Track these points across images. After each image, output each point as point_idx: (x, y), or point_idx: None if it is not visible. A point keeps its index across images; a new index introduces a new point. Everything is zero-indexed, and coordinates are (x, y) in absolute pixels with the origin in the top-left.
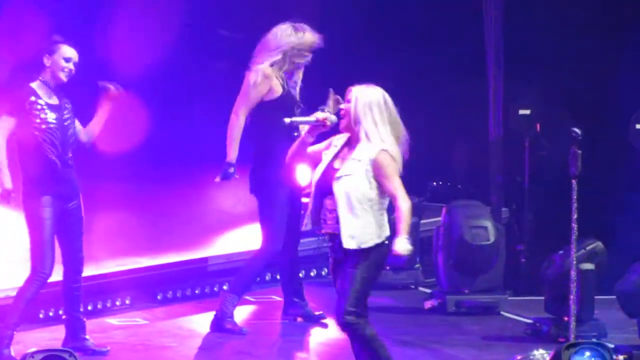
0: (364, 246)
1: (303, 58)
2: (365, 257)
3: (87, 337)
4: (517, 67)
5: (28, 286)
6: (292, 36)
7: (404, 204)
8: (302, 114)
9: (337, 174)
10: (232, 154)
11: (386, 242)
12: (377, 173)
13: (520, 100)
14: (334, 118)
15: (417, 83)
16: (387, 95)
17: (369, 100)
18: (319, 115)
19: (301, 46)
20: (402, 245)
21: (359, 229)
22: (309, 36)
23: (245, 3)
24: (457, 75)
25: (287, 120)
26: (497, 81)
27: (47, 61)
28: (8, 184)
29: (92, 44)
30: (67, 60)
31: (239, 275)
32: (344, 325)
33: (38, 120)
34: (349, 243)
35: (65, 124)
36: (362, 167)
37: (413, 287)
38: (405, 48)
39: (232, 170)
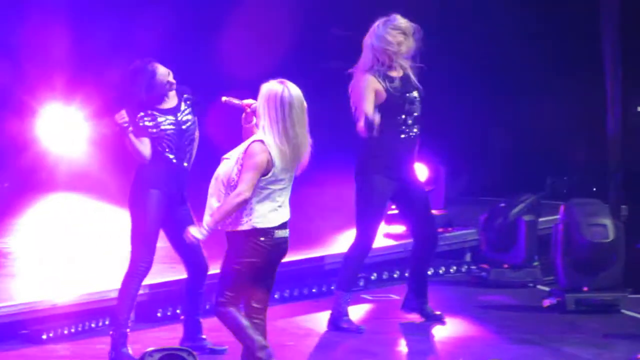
0: (228, 230)
1: (396, 54)
2: (229, 243)
3: (204, 336)
4: (636, 64)
5: (129, 279)
6: (377, 34)
7: (232, 196)
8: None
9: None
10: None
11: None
12: (241, 160)
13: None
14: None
15: (535, 81)
16: (292, 94)
17: (268, 96)
18: (245, 101)
19: (383, 42)
20: (193, 232)
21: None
22: (394, 28)
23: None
24: (575, 72)
25: (223, 98)
26: (614, 78)
27: (146, 94)
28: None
29: (209, 47)
30: (170, 86)
31: (341, 272)
32: (215, 314)
33: (153, 129)
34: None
35: (184, 127)
36: (237, 154)
37: (532, 285)
38: (525, 45)
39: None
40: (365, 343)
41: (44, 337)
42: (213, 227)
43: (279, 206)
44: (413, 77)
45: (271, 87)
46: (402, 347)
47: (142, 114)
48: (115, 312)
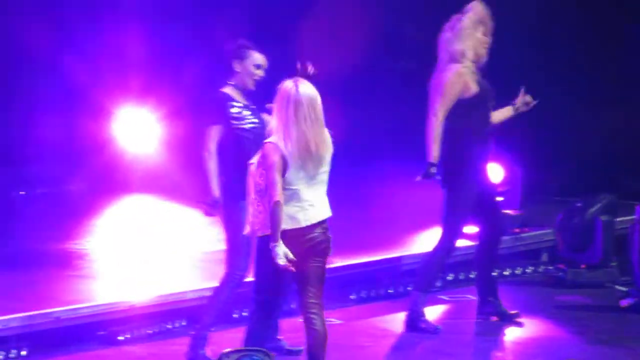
0: (258, 235)
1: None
2: (261, 247)
3: (281, 337)
4: None
5: (223, 287)
6: (469, 26)
7: (270, 202)
8: None
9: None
10: (434, 154)
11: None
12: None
13: None
14: None
15: (612, 80)
16: (300, 92)
17: (279, 96)
18: None
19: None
20: (273, 252)
21: (251, 216)
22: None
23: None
24: None
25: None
26: None
27: (237, 67)
28: (217, 192)
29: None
30: (258, 67)
31: (420, 273)
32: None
33: (239, 124)
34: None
35: (260, 126)
36: (258, 158)
37: (609, 285)
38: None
39: (433, 170)
40: (442, 343)
41: (121, 338)
42: (272, 239)
43: (310, 205)
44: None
45: (283, 86)
46: (479, 347)
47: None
48: (201, 314)
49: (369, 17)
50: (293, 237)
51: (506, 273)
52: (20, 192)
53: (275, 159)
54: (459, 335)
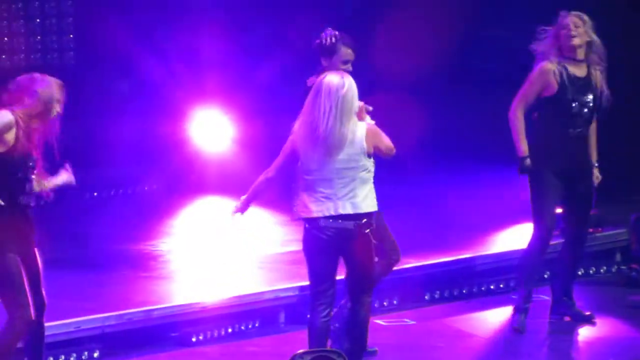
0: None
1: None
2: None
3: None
4: None
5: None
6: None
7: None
8: None
9: None
10: (523, 147)
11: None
12: None
13: None
14: None
15: None
16: (322, 83)
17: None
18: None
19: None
20: None
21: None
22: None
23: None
24: None
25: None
26: None
27: (324, 62)
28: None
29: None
30: (345, 62)
31: (519, 271)
32: None
33: None
34: None
35: None
36: None
37: None
38: None
39: (527, 162)
40: (515, 344)
41: (194, 339)
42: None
43: (324, 197)
44: (598, 81)
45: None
46: (553, 347)
47: None
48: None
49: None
50: (309, 226)
51: (579, 273)
52: (94, 194)
53: (287, 144)
54: (532, 335)
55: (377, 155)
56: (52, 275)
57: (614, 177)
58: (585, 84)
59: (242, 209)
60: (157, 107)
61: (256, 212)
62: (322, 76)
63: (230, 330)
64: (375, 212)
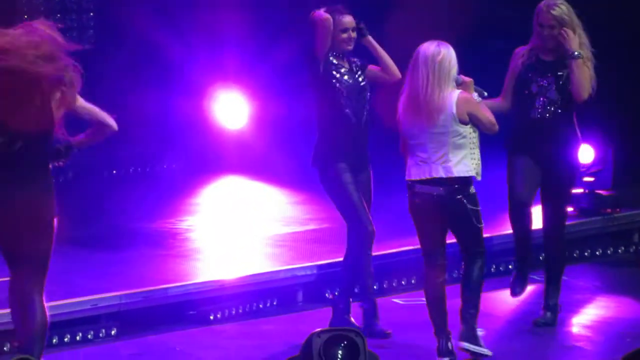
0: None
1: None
2: None
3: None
4: None
5: (358, 251)
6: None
7: None
8: None
9: None
10: None
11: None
12: None
13: None
14: None
15: None
16: (419, 51)
17: None
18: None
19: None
20: None
21: None
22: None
23: None
24: None
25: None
26: None
27: None
28: None
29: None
30: (344, 30)
31: None
32: None
33: (333, 80)
34: None
35: (362, 84)
36: None
37: None
38: None
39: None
40: (531, 322)
41: (212, 317)
42: None
43: (421, 161)
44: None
45: None
46: (567, 325)
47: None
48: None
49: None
50: (410, 190)
51: (597, 253)
52: (113, 172)
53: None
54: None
55: (477, 126)
56: (70, 252)
57: (633, 157)
58: (549, 67)
59: None
60: (176, 85)
61: (274, 192)
62: (418, 48)
63: (248, 308)
64: (470, 177)
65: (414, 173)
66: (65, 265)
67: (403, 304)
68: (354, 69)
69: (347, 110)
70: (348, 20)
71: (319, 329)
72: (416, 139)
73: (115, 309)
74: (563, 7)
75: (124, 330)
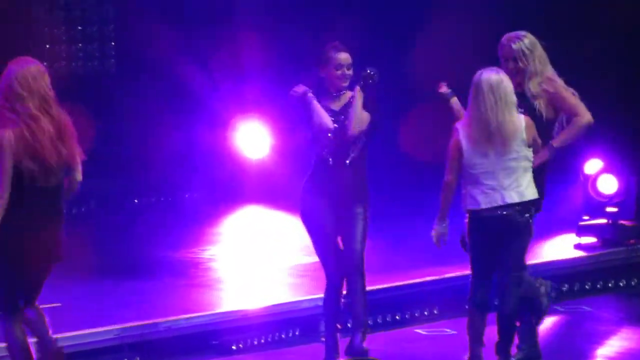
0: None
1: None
2: None
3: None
4: None
5: (326, 294)
6: None
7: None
8: None
9: None
10: None
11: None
12: None
13: None
14: None
15: None
16: (482, 78)
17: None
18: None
19: None
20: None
21: None
22: None
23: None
24: None
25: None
26: None
27: (321, 72)
28: None
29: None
30: (339, 67)
31: None
32: None
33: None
34: None
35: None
36: None
37: None
38: None
39: None
40: (558, 353)
41: (234, 347)
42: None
43: (490, 189)
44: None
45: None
46: (597, 358)
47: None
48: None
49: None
50: (476, 218)
51: (621, 284)
52: (135, 201)
53: (451, 143)
54: (570, 344)
55: (534, 149)
56: (93, 282)
57: None
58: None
59: (444, 234)
60: (198, 115)
61: (296, 221)
62: (477, 74)
63: (270, 338)
64: (537, 199)
65: (483, 201)
66: (89, 294)
67: (426, 334)
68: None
69: (325, 151)
70: (343, 57)
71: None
72: (484, 167)
73: (138, 338)
74: (526, 40)
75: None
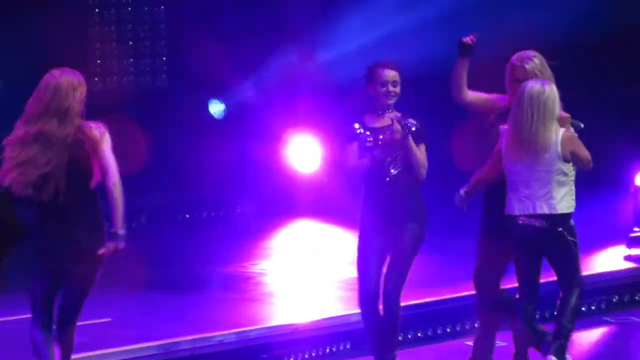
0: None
1: None
2: None
3: None
4: None
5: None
6: None
7: None
8: None
9: None
10: None
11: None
12: None
13: None
14: None
15: None
16: (525, 90)
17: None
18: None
19: None
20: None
21: None
22: None
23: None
24: None
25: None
26: None
27: (369, 89)
28: None
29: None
30: (384, 84)
31: None
32: None
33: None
34: None
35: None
36: None
37: None
38: None
39: None
40: None
41: None
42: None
43: (524, 197)
44: None
45: None
46: None
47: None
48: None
49: None
50: (513, 225)
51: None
52: (187, 216)
53: (497, 143)
54: (624, 357)
55: (576, 163)
56: (144, 296)
57: None
58: None
59: (465, 198)
60: (250, 129)
61: (347, 235)
62: (523, 84)
63: (321, 352)
64: (571, 213)
65: (517, 208)
66: (140, 309)
67: None
68: (394, 124)
69: (371, 167)
70: (390, 74)
71: None
72: (519, 174)
73: (188, 352)
74: (536, 60)
75: None
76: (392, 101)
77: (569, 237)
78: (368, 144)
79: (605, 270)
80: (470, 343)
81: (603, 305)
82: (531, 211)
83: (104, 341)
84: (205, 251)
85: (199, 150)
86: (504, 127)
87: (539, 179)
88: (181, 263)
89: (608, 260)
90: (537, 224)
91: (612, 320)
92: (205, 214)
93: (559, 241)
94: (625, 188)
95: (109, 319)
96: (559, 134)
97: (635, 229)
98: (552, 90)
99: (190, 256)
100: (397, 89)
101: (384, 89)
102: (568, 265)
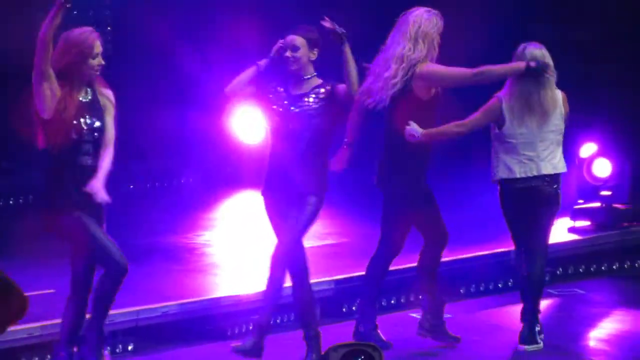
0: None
1: None
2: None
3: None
4: None
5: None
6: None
7: (455, 124)
8: None
9: None
10: None
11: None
12: None
13: None
14: None
15: None
16: (527, 55)
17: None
18: None
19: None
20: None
21: None
22: None
23: None
24: None
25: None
26: None
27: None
28: None
29: None
30: (285, 50)
31: None
32: None
33: (274, 107)
34: None
35: (310, 112)
36: None
37: None
38: None
39: None
40: (551, 337)
41: (229, 333)
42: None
43: (527, 159)
44: None
45: None
46: (590, 340)
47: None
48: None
49: None
50: (509, 187)
51: (614, 267)
52: (130, 186)
53: (491, 107)
54: (565, 327)
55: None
56: None
57: None
58: None
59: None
60: (193, 99)
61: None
62: (520, 47)
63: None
64: (563, 172)
65: (518, 171)
66: None
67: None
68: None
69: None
70: (288, 39)
71: (336, 344)
72: (524, 137)
73: (132, 324)
74: (543, 50)
75: (141, 345)
76: (293, 67)
77: (559, 195)
78: (278, 108)
79: (550, 242)
80: (415, 315)
81: (547, 278)
82: (535, 173)
83: (50, 313)
84: (149, 222)
85: (142, 120)
86: (500, 95)
87: (543, 140)
88: (124, 234)
89: (552, 232)
90: (535, 183)
91: (555, 293)
92: (149, 184)
93: (553, 200)
94: (570, 160)
95: (52, 290)
96: (559, 93)
97: (580, 201)
98: (548, 53)
99: (134, 227)
100: (298, 54)
101: (285, 54)
102: (547, 226)
